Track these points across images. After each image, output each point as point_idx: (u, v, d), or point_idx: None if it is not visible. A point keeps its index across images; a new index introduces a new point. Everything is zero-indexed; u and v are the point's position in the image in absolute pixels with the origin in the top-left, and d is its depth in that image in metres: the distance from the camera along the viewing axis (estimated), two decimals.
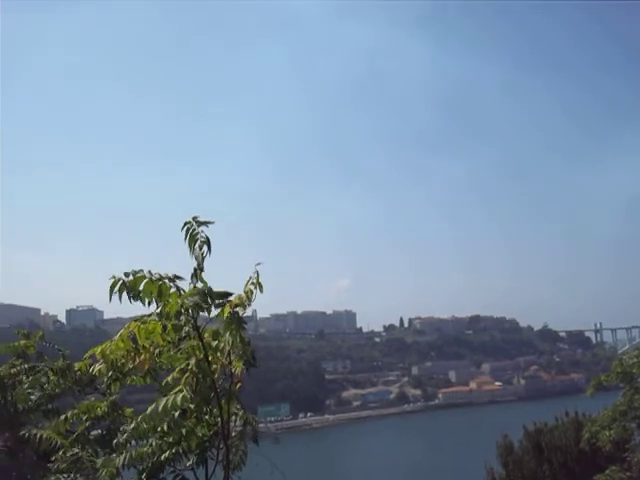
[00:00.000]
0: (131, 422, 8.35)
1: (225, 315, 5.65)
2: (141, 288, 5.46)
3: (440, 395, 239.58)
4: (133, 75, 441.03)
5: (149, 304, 5.59)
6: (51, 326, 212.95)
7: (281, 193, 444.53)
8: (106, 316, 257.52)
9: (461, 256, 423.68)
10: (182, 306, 5.51)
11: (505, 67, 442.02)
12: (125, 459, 6.17)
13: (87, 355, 6.96)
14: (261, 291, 5.74)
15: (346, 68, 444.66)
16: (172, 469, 6.75)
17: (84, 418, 8.70)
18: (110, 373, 8.05)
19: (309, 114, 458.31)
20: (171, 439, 6.44)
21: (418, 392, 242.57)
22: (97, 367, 7.81)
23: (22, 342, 9.45)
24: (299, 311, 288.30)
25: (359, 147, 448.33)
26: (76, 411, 8.74)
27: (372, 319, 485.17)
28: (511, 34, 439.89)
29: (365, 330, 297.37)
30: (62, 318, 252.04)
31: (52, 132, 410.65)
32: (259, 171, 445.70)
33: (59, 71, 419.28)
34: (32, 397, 7.93)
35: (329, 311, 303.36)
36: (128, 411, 8.77)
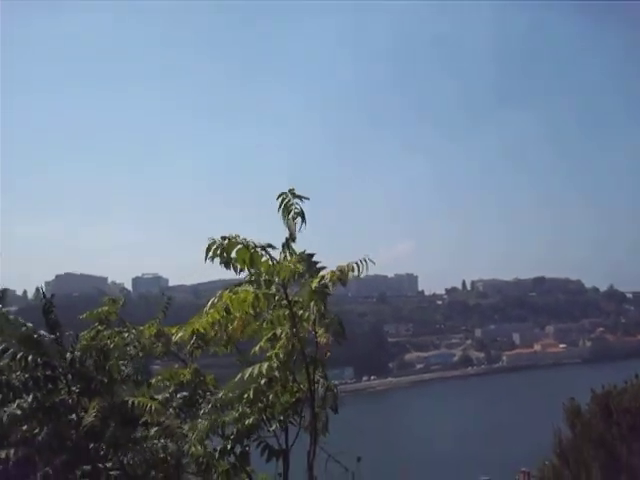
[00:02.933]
0: (214, 389, 8.73)
1: (313, 286, 5.73)
2: (233, 255, 5.59)
3: (504, 357, 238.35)
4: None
5: (240, 271, 5.73)
6: (118, 294, 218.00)
7: (340, 155, 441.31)
8: (170, 283, 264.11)
9: (520, 217, 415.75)
10: (278, 273, 5.63)
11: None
12: (208, 425, 6.41)
13: (185, 327, 7.17)
14: (357, 277, 5.89)
15: (405, 25, 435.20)
16: (256, 436, 7.02)
17: (167, 384, 9.07)
18: (192, 341, 8.38)
19: (362, 73, 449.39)
20: (258, 406, 6.66)
21: (481, 355, 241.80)
22: (179, 334, 8.13)
23: (105, 309, 9.82)
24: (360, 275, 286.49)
25: (422, 109, 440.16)
26: (160, 377, 9.12)
27: (434, 282, 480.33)
28: None
29: (427, 293, 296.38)
30: (128, 286, 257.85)
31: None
32: (314, 134, 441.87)
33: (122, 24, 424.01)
34: (123, 368, 8.27)
35: (390, 274, 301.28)
36: (209, 378, 9.05)
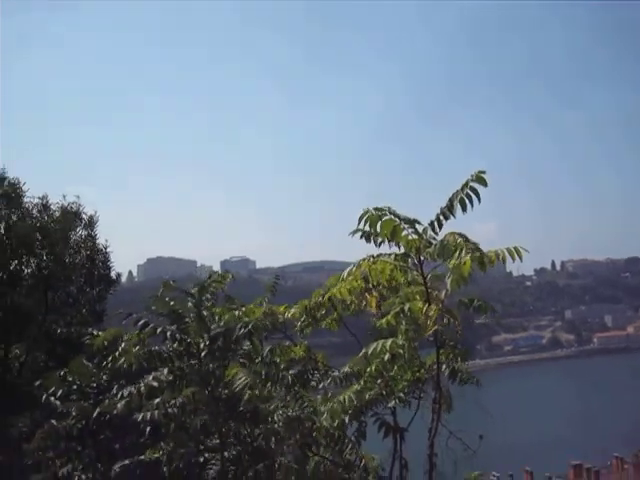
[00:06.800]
0: (323, 366, 9.03)
1: (451, 265, 5.61)
2: (378, 226, 5.57)
3: (595, 340, 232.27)
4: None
5: (381, 244, 5.80)
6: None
7: (425, 128, 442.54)
8: (258, 266, 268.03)
9: (616, 196, 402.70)
10: (417, 249, 5.64)
11: None
12: (345, 403, 6.51)
13: (317, 294, 7.44)
14: (517, 258, 5.80)
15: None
16: (372, 412, 7.25)
17: (278, 360, 9.41)
18: (303, 317, 8.71)
19: (442, 52, 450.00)
20: (379, 381, 6.76)
21: (571, 337, 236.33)
22: (292, 311, 8.46)
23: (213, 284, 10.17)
24: None
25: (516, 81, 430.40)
26: (273, 353, 9.46)
27: (522, 263, 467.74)
28: None
29: (515, 274, 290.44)
30: (217, 269, 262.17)
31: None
32: (397, 111, 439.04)
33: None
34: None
35: None
36: (320, 355, 9.34)
